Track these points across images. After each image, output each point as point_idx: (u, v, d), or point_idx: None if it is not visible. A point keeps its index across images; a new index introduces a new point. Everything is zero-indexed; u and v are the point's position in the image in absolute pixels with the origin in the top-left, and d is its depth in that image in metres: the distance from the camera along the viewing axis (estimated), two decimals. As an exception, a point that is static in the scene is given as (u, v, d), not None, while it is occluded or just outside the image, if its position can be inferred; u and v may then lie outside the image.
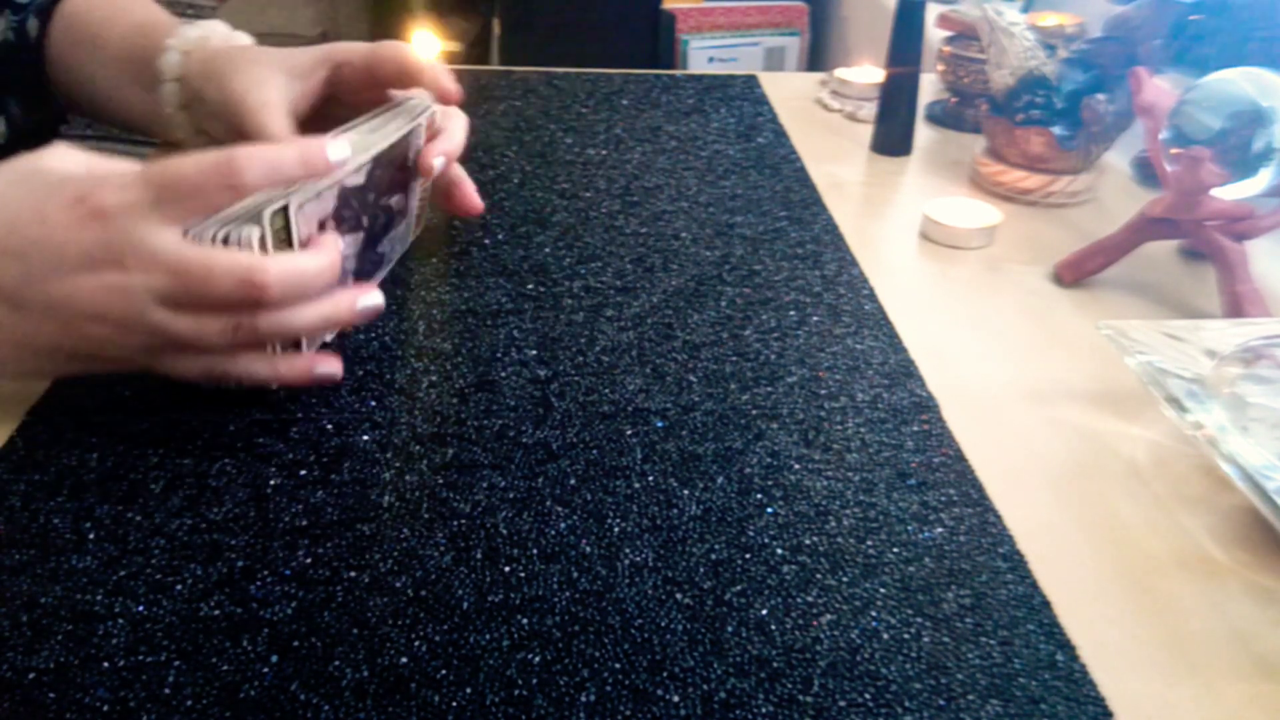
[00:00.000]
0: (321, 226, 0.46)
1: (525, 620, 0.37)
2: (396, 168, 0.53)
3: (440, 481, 0.43)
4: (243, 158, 0.40)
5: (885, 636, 0.36)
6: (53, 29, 0.64)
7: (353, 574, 0.38)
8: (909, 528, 0.41)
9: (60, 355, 0.43)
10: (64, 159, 0.43)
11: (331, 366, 0.47)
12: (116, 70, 0.62)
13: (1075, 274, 0.61)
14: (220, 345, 0.43)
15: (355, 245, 0.50)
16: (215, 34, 0.60)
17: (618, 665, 0.35)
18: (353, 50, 0.58)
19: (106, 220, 0.40)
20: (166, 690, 0.33)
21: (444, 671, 0.35)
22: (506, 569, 0.39)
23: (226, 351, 0.44)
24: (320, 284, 0.44)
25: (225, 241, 0.41)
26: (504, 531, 0.41)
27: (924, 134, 0.84)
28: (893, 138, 0.79)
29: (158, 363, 0.44)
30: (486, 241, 0.63)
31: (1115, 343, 0.47)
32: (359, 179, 0.48)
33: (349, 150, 0.45)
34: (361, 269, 0.52)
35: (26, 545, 0.39)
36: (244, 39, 0.61)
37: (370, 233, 0.52)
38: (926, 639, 0.36)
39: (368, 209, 0.51)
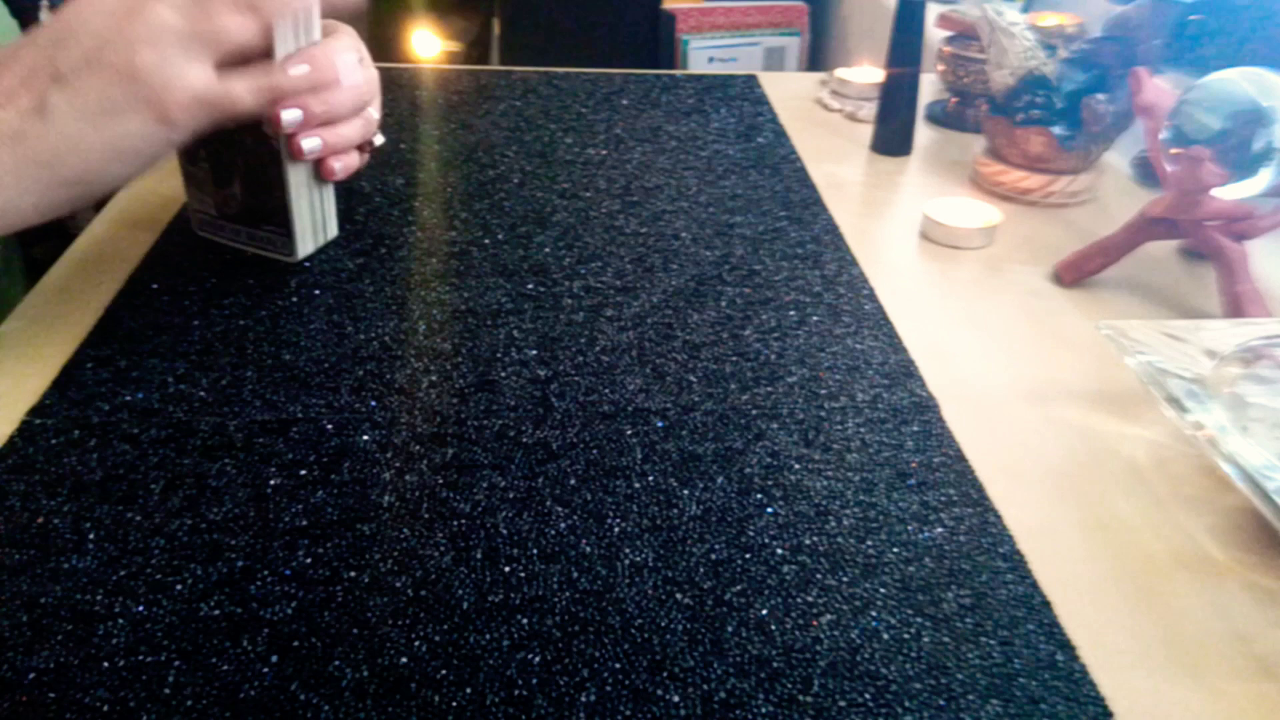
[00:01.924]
0: None
1: (525, 620, 0.37)
2: None
3: (440, 481, 0.43)
4: None
5: (885, 636, 0.36)
6: None
7: (353, 574, 0.38)
8: (909, 528, 0.41)
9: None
10: None
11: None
12: None
13: (1075, 274, 0.61)
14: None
15: None
16: None
17: (618, 665, 0.35)
18: None
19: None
20: (166, 690, 0.33)
21: (444, 671, 0.35)
22: (506, 569, 0.39)
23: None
24: None
25: None
26: (504, 531, 0.41)
27: (924, 134, 0.84)
28: (893, 138, 0.79)
29: (214, 83, 0.46)
30: (486, 241, 0.63)
31: (1115, 343, 0.47)
32: None
33: None
34: None
35: (26, 545, 0.39)
36: None
37: None
38: (926, 639, 0.36)
39: None
